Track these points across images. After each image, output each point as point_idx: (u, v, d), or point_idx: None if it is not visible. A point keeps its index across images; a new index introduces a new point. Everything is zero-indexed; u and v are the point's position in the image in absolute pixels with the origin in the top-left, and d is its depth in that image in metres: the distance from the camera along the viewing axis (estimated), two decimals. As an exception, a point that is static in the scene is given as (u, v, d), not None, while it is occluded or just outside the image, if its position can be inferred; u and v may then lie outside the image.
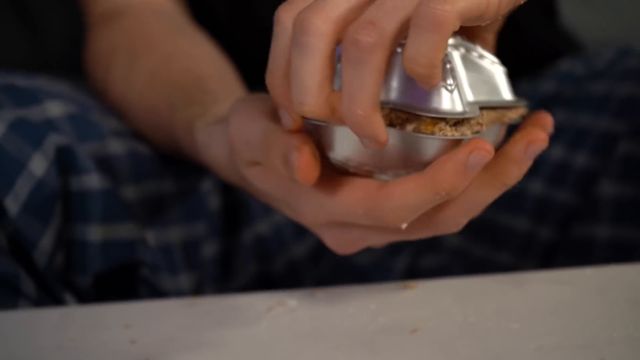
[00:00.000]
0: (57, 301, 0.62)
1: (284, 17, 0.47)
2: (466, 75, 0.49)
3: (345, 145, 0.49)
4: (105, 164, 0.67)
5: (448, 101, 0.46)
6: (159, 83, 0.69)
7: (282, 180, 0.52)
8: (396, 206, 0.48)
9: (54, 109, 0.66)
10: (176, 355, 0.51)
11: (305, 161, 0.48)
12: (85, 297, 0.66)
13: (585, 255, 0.75)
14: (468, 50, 0.50)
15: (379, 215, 0.48)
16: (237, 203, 0.77)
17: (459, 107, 0.47)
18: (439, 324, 0.54)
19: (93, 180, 0.65)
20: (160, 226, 0.70)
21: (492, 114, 0.50)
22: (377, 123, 0.44)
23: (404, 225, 0.49)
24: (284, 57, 0.47)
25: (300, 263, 0.79)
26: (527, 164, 0.48)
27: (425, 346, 0.51)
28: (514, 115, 0.52)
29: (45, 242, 0.61)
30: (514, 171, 0.48)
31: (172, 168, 0.72)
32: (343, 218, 0.50)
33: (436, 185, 0.46)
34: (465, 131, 0.47)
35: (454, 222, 0.50)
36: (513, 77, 0.54)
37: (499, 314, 0.54)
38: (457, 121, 0.47)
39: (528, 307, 0.55)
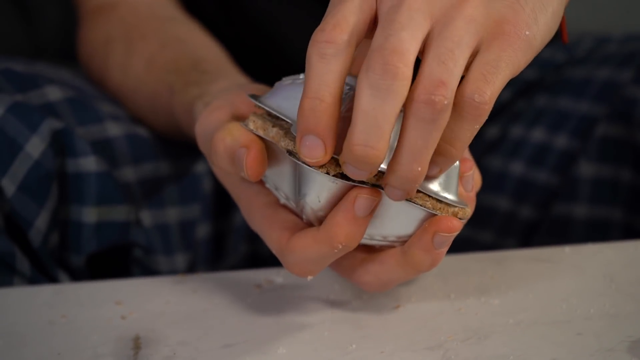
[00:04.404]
0: (51, 279, 0.61)
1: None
2: None
3: (315, 190, 0.45)
4: (103, 147, 0.65)
5: None
6: (157, 69, 0.67)
7: (231, 180, 0.50)
8: (297, 260, 0.46)
9: (54, 93, 0.65)
10: (165, 330, 0.50)
11: (253, 157, 0.46)
12: (79, 276, 0.64)
13: (563, 233, 0.73)
14: None
15: (286, 266, 0.47)
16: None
17: None
18: (422, 300, 0.53)
19: (89, 163, 0.63)
20: (157, 207, 0.68)
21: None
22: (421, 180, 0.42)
23: (309, 278, 0.47)
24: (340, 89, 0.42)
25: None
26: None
27: (407, 321, 0.50)
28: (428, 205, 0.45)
29: (41, 222, 0.60)
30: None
31: (168, 151, 0.70)
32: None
33: (332, 239, 0.44)
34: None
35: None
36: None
37: (479, 290, 0.53)
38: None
39: (507, 284, 0.54)
